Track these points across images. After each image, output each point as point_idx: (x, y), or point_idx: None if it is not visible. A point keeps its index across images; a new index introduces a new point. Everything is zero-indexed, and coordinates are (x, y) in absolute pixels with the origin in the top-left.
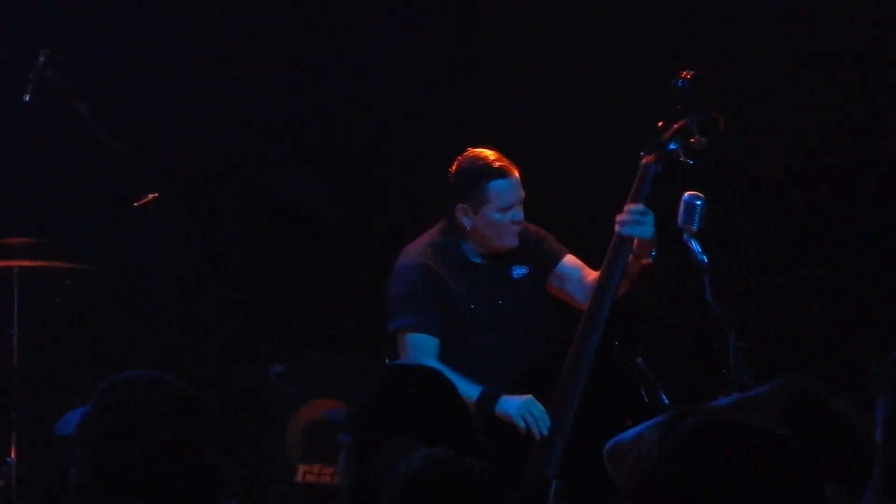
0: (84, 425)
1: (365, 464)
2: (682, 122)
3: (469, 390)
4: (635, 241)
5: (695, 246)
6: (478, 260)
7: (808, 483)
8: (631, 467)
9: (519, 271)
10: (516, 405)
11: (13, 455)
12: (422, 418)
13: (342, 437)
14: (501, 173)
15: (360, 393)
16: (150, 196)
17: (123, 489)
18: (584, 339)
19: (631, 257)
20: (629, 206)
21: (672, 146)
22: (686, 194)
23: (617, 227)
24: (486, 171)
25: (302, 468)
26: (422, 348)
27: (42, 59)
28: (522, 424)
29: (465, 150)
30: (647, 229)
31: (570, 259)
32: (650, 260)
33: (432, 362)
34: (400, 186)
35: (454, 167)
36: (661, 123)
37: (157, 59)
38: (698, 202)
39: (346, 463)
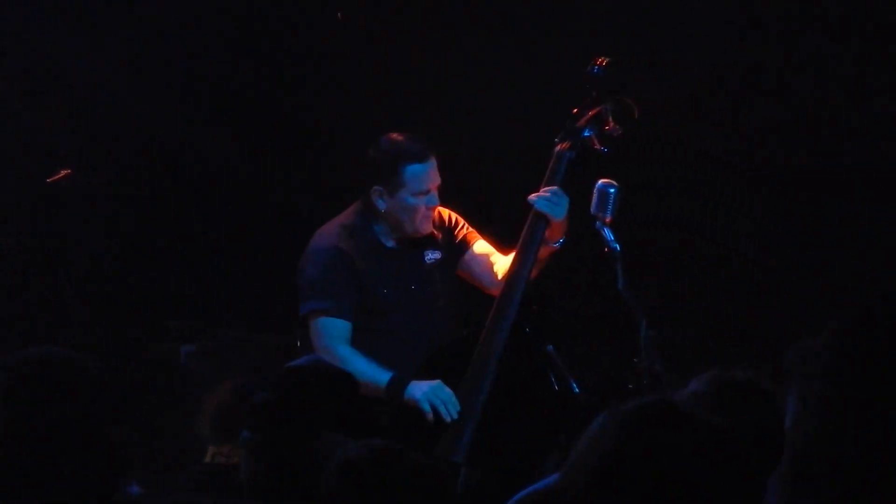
0: None
1: (267, 459)
2: (597, 109)
3: (378, 376)
4: (548, 222)
5: (608, 234)
6: (391, 244)
7: (743, 472)
8: (577, 462)
9: (431, 256)
10: (423, 390)
11: None
12: (319, 418)
13: (242, 433)
14: (418, 157)
15: (257, 394)
16: (63, 172)
17: (23, 464)
18: (496, 324)
19: (543, 240)
20: (545, 187)
21: (586, 133)
22: (599, 182)
23: (531, 199)
24: (404, 155)
25: (212, 449)
26: (333, 332)
27: None
28: (428, 409)
29: (382, 133)
30: (560, 210)
31: (481, 244)
32: (558, 246)
33: (343, 347)
34: (317, 164)
35: (371, 149)
36: (575, 110)
37: (76, 28)
38: (612, 190)
39: (246, 458)
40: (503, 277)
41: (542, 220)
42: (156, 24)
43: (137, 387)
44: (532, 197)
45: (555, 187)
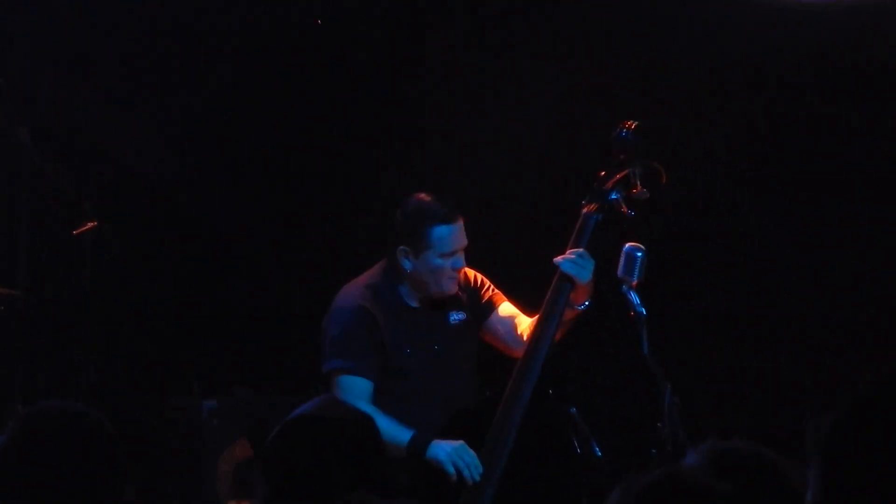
0: None
1: None
2: (624, 172)
3: (400, 435)
4: (573, 284)
5: (634, 298)
6: (415, 304)
7: None
8: None
9: (455, 317)
10: (447, 450)
11: None
12: (336, 467)
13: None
14: (445, 219)
15: (269, 439)
16: (89, 224)
17: None
18: (519, 386)
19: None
20: (571, 249)
21: (613, 196)
22: (627, 245)
23: (557, 262)
24: (431, 216)
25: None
26: (355, 391)
27: None
28: (452, 470)
29: (408, 194)
30: (585, 273)
31: (506, 306)
32: (582, 308)
33: (365, 406)
34: (339, 225)
35: (399, 210)
36: (602, 173)
37: (99, 88)
38: (639, 254)
39: None
40: (527, 339)
41: (568, 282)
42: (177, 88)
43: (159, 441)
44: (558, 259)
45: (581, 249)
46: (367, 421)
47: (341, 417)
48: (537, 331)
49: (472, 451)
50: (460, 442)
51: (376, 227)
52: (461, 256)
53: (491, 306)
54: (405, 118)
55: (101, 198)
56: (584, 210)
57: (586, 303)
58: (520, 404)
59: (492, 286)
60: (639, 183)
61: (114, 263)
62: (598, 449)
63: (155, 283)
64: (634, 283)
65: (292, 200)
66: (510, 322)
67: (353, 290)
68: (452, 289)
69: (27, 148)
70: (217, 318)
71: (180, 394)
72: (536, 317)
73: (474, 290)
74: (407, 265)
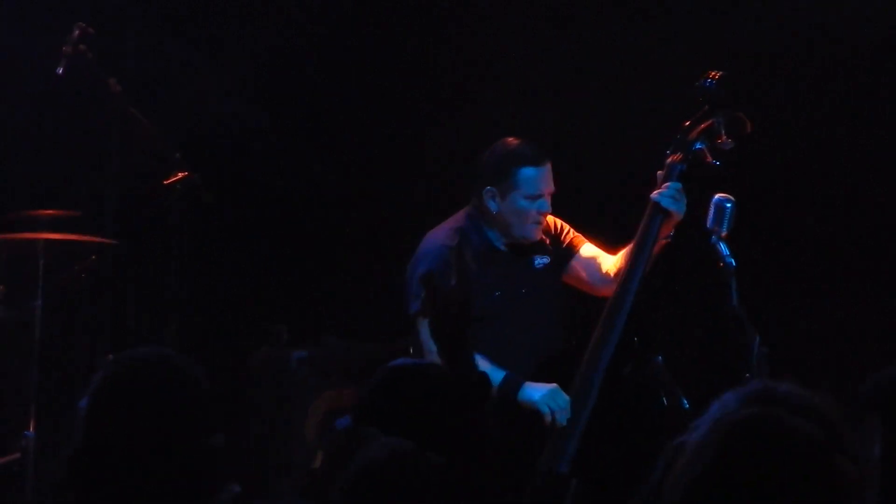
0: (88, 395)
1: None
2: (709, 122)
3: (492, 375)
4: (666, 218)
5: (723, 249)
6: (502, 248)
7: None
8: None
9: (540, 261)
10: (542, 392)
11: (31, 428)
12: (419, 420)
13: (338, 422)
14: (533, 160)
15: (362, 392)
16: (180, 175)
17: (121, 460)
18: (607, 328)
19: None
20: (667, 183)
21: (698, 146)
22: (716, 196)
23: (654, 197)
24: (518, 157)
25: (321, 454)
26: None
27: (76, 32)
28: (547, 411)
29: (493, 140)
30: (681, 206)
31: (588, 247)
32: (667, 240)
33: None
34: (423, 174)
35: (486, 152)
36: (687, 123)
37: (190, 37)
38: (728, 204)
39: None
40: (617, 274)
41: (661, 214)
42: (260, 41)
43: (247, 391)
44: (654, 194)
45: (676, 183)
46: (480, 381)
47: (448, 375)
48: (629, 265)
49: (565, 396)
50: (554, 385)
51: (462, 173)
52: (547, 201)
53: (573, 249)
54: (492, 66)
55: (191, 148)
56: (669, 160)
57: (671, 234)
58: (606, 350)
59: (572, 230)
60: (723, 132)
61: (203, 213)
62: (685, 401)
63: (243, 233)
64: (724, 234)
65: (379, 147)
66: (594, 262)
67: (440, 233)
68: (536, 234)
69: (118, 98)
70: (306, 267)
71: (269, 344)
72: (623, 253)
73: (556, 236)
74: (493, 206)
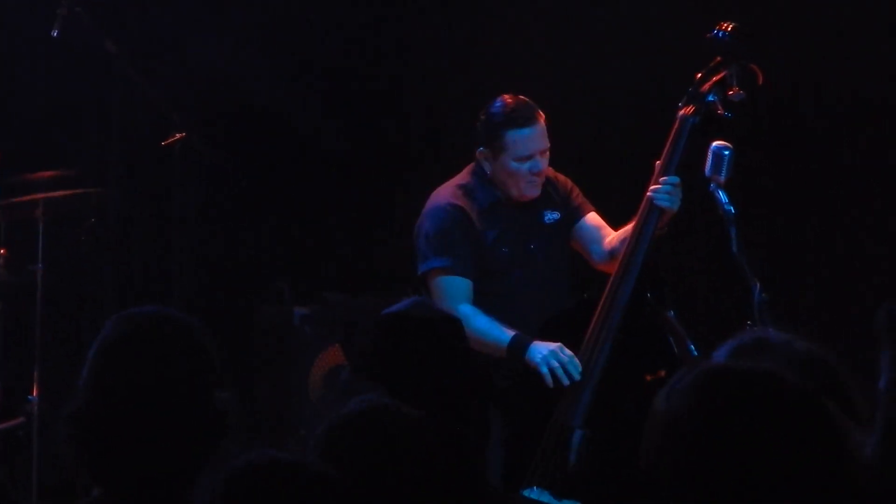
0: (91, 354)
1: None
2: (721, 74)
3: (500, 335)
4: (662, 214)
5: (722, 196)
6: (509, 204)
7: (821, 427)
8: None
9: (550, 216)
10: (543, 353)
11: (35, 392)
12: (424, 365)
13: (341, 375)
14: (521, 122)
15: (358, 340)
16: (177, 136)
17: (118, 422)
18: (615, 294)
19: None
20: (663, 178)
21: (710, 98)
22: (714, 144)
23: (650, 194)
24: (506, 120)
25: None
26: (454, 291)
27: None
28: (546, 372)
29: (495, 95)
30: (676, 201)
31: (592, 216)
32: (665, 230)
33: (465, 305)
34: (428, 127)
35: (482, 111)
36: (699, 75)
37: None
38: (726, 152)
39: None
40: (626, 237)
41: (656, 212)
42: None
43: (251, 348)
44: (651, 191)
45: (672, 177)
46: (455, 322)
47: (430, 317)
48: (631, 244)
49: (569, 352)
50: (558, 344)
51: (467, 130)
52: (540, 159)
53: (580, 212)
54: (497, 17)
55: (189, 109)
56: (681, 113)
57: (666, 226)
58: (618, 307)
59: (581, 193)
60: (735, 84)
61: (203, 173)
62: (694, 349)
63: (244, 192)
64: (723, 181)
65: (382, 104)
66: (597, 232)
67: (446, 191)
68: (533, 192)
69: (115, 59)
70: (308, 224)
71: (272, 301)
72: (621, 232)
73: (566, 193)
74: (487, 167)
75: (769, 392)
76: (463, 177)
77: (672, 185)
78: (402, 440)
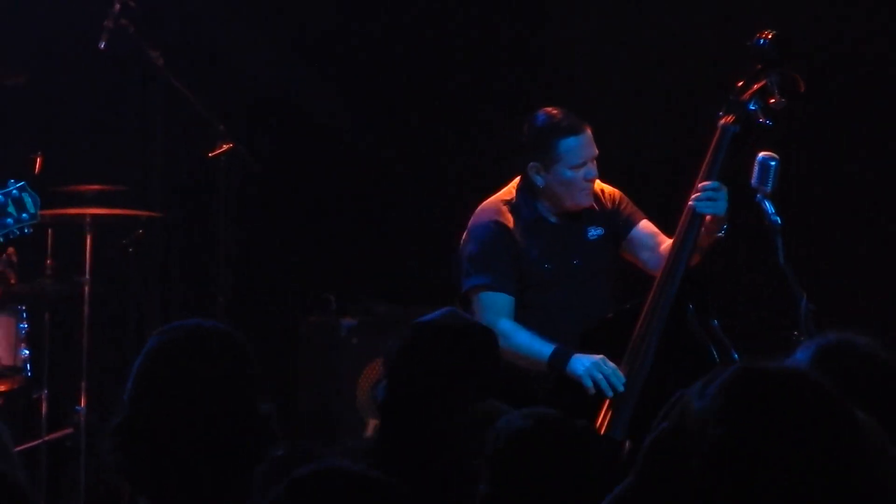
0: (136, 366)
1: (399, 419)
2: (762, 82)
3: (542, 349)
4: (708, 217)
5: (768, 207)
6: (553, 219)
7: (848, 429)
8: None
9: (594, 232)
10: (586, 364)
11: (83, 403)
12: (455, 375)
13: (377, 391)
14: (571, 130)
15: (391, 349)
16: (224, 146)
17: (162, 433)
18: (657, 305)
19: (703, 231)
20: (703, 183)
21: (751, 106)
22: (760, 154)
23: (691, 203)
24: (556, 129)
25: (372, 422)
26: (495, 307)
27: (117, 6)
28: (590, 384)
29: (536, 109)
30: (720, 205)
31: (645, 224)
32: (721, 234)
33: (507, 321)
34: (474, 142)
35: (526, 125)
36: (740, 83)
37: (232, 8)
38: (773, 162)
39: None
40: (662, 263)
41: (698, 220)
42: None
43: (297, 360)
44: (691, 203)
45: (713, 182)
46: (487, 332)
47: (462, 327)
48: (672, 256)
49: (611, 364)
50: (601, 356)
51: (512, 144)
52: (592, 167)
53: (631, 223)
54: (533, 30)
55: (236, 120)
56: (721, 122)
57: (725, 227)
58: (660, 319)
59: (630, 203)
60: (776, 92)
61: (249, 183)
62: (738, 359)
63: (291, 201)
64: (769, 192)
65: (430, 115)
66: (651, 239)
67: (489, 208)
68: (587, 200)
69: (161, 70)
70: (356, 235)
71: (318, 312)
72: (672, 242)
73: (613, 207)
74: (539, 181)
75: (795, 395)
76: (509, 192)
77: (712, 190)
78: (573, 452)
